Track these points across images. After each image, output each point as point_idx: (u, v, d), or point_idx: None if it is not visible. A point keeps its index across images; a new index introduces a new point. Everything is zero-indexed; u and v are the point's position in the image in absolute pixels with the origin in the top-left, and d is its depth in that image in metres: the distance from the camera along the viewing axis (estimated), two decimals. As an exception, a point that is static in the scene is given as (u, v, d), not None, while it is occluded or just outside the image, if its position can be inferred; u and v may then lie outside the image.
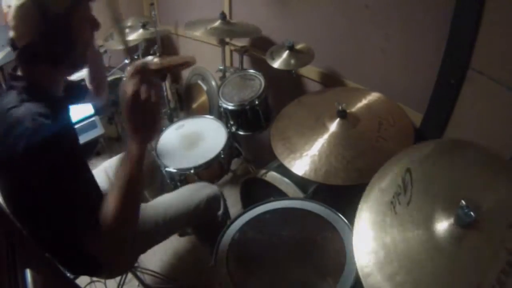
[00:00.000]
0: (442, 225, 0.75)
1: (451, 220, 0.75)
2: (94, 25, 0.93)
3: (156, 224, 1.21)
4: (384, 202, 0.86)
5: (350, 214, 1.07)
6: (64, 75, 0.96)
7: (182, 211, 1.26)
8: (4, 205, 0.93)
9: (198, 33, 1.74)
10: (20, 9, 0.80)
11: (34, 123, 0.77)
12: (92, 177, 0.97)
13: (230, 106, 1.66)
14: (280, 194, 1.38)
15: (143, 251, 1.25)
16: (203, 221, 1.33)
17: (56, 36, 0.83)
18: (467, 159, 0.89)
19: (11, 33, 0.84)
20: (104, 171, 1.42)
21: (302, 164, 1.22)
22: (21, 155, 0.75)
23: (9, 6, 0.82)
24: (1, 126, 0.81)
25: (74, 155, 0.84)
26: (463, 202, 0.72)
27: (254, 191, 1.60)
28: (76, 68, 0.97)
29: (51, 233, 0.95)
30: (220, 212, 1.36)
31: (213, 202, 1.34)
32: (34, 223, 0.94)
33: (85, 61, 0.97)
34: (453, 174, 0.86)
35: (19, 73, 0.90)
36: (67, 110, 0.99)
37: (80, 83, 1.28)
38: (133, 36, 2.08)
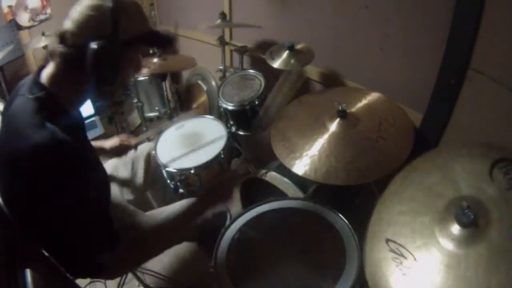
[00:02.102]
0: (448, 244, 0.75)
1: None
2: (138, 67, 0.93)
3: (161, 236, 1.21)
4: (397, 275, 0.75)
5: (350, 214, 1.08)
6: (85, 99, 0.93)
7: (189, 226, 1.26)
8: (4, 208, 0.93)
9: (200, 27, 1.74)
10: (94, 8, 0.78)
11: (59, 152, 0.76)
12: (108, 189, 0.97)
13: (230, 106, 1.66)
14: (280, 194, 1.38)
15: (147, 260, 1.25)
16: (207, 234, 1.33)
17: (108, 54, 0.80)
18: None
19: (69, 25, 0.80)
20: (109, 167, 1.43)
21: (302, 164, 1.22)
22: (45, 181, 0.76)
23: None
24: (16, 141, 0.77)
25: (89, 173, 0.84)
26: (465, 203, 0.72)
27: (254, 191, 1.60)
28: (101, 98, 0.96)
29: (62, 245, 0.95)
30: (226, 226, 1.36)
31: (220, 216, 1.34)
32: (43, 235, 0.93)
33: (112, 97, 0.96)
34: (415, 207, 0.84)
35: (43, 81, 0.85)
36: (83, 129, 0.98)
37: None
38: (133, 36, 2.08)
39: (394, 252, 0.77)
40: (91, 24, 0.78)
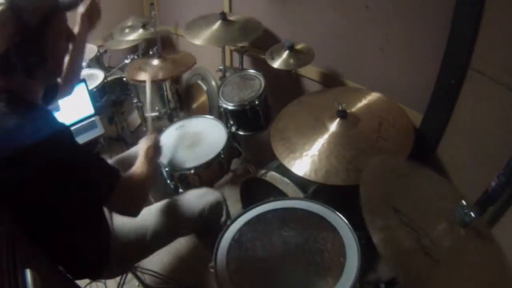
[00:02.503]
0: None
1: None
2: (70, 36, 0.93)
3: (160, 230, 1.22)
4: (422, 259, 0.72)
5: (350, 214, 1.07)
6: (41, 85, 0.95)
7: (187, 218, 1.27)
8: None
9: (199, 41, 1.74)
10: None
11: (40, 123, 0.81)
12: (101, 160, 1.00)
13: (230, 106, 1.66)
14: (280, 194, 1.38)
15: (146, 256, 1.25)
16: (205, 226, 1.34)
17: (31, 46, 0.82)
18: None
19: None
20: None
21: (302, 164, 1.22)
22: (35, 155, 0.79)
23: None
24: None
25: (74, 153, 0.88)
26: (464, 202, 0.73)
27: (254, 191, 1.60)
28: (52, 78, 0.97)
29: (62, 238, 0.97)
30: (223, 219, 1.36)
31: (217, 208, 1.34)
32: (41, 229, 0.94)
33: (60, 72, 0.97)
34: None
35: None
36: (51, 116, 0.98)
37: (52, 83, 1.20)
38: (133, 36, 2.08)
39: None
40: (0, 31, 0.78)
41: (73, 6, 0.91)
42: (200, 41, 1.73)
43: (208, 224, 1.32)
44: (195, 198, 1.33)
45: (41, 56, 0.85)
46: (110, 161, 1.45)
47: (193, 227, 1.33)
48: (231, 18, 1.81)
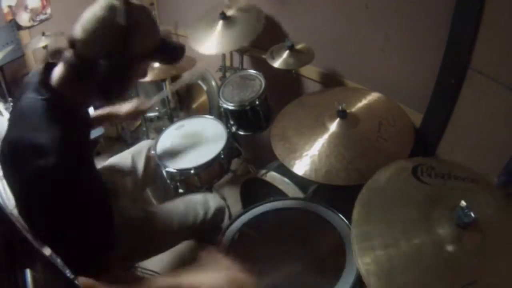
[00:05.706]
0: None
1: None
2: (144, 75, 0.96)
3: (163, 235, 1.22)
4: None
5: (350, 214, 1.08)
6: (94, 103, 0.97)
7: (190, 223, 1.27)
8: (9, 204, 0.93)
9: (203, 50, 1.74)
10: (105, 21, 0.78)
11: (59, 155, 0.77)
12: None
13: (230, 106, 1.66)
14: (280, 194, 1.38)
15: (148, 257, 1.26)
16: (207, 231, 1.34)
17: (117, 69, 0.82)
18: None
19: (79, 33, 0.80)
20: (108, 169, 1.43)
21: (302, 164, 1.22)
22: (44, 181, 0.77)
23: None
24: (22, 141, 0.80)
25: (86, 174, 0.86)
26: (463, 203, 0.73)
27: (254, 191, 1.60)
28: (108, 103, 0.99)
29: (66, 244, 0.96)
30: (224, 224, 1.36)
31: (219, 214, 1.34)
32: (46, 229, 0.94)
33: (120, 101, 0.99)
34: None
35: (50, 81, 0.87)
36: (89, 127, 0.99)
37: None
38: (133, 36, 2.08)
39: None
40: (101, 39, 0.79)
41: (174, 58, 0.96)
42: (204, 49, 1.73)
43: (210, 228, 1.33)
44: (199, 203, 1.33)
45: (117, 79, 0.85)
46: (104, 164, 1.45)
47: (196, 232, 1.33)
48: (231, 13, 1.80)
